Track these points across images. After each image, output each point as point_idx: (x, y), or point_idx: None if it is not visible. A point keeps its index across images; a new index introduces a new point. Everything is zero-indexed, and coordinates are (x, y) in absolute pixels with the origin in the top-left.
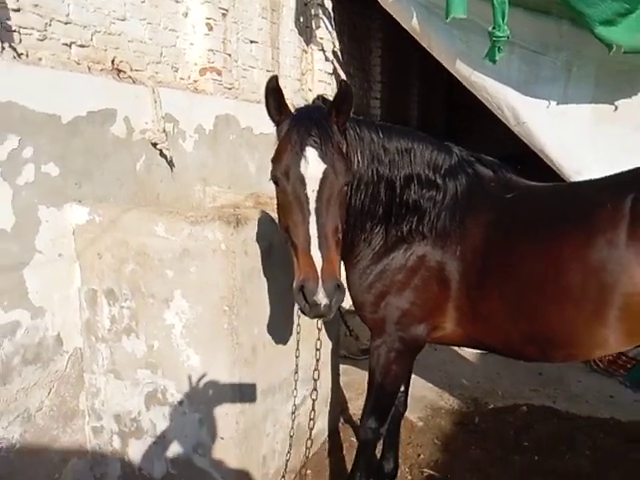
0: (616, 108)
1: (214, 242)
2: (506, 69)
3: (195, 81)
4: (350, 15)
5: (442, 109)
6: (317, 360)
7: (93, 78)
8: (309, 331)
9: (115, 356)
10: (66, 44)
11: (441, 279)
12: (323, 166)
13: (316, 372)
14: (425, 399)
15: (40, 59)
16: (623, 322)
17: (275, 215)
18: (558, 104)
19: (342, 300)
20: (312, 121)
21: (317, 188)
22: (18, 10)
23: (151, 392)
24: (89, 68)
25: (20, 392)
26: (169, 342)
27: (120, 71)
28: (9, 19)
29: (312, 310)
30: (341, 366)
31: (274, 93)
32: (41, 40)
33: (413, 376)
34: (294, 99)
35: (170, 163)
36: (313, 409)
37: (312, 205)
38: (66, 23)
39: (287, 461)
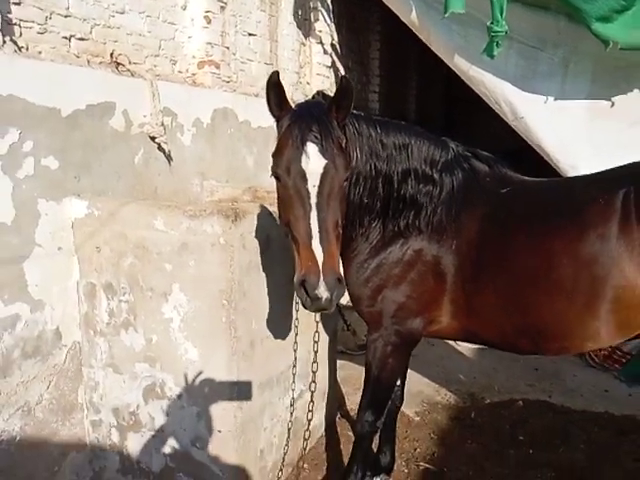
0: (612, 104)
1: (213, 236)
2: (504, 64)
3: (193, 74)
4: (349, 7)
5: (441, 103)
6: (315, 352)
7: (92, 71)
8: (307, 325)
9: (113, 350)
10: (66, 37)
11: (437, 273)
12: (324, 161)
13: (314, 364)
14: (422, 394)
15: (40, 52)
16: (614, 315)
17: (273, 209)
18: (555, 99)
19: (343, 294)
20: (312, 117)
21: (318, 183)
22: (19, 3)
23: (149, 386)
24: (88, 61)
25: (20, 385)
26: (167, 336)
27: (119, 64)
28: (10, 12)
29: (313, 304)
30: (338, 361)
31: (275, 88)
32: (41, 33)
33: (410, 371)
34: (292, 92)
35: (168, 157)
36: (311, 400)
37: (313, 200)
38: (66, 16)
39: (284, 454)
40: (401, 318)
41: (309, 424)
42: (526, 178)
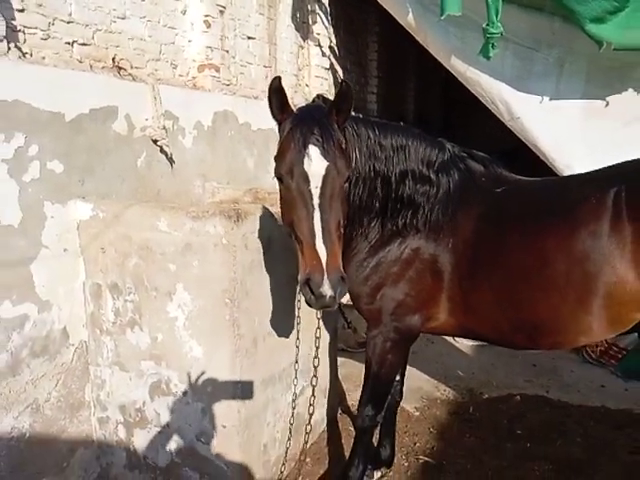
0: (607, 103)
1: (215, 236)
2: (500, 65)
3: (194, 78)
4: (347, 9)
5: (438, 104)
6: (317, 348)
7: (95, 76)
8: (308, 322)
9: (120, 348)
10: (68, 43)
11: (434, 271)
12: (325, 163)
13: (316, 359)
14: (421, 390)
15: (44, 58)
16: (606, 310)
17: (274, 210)
18: (550, 99)
19: (346, 291)
20: (314, 120)
21: (320, 184)
22: (22, 10)
23: (155, 383)
24: (91, 66)
25: (29, 383)
26: (172, 334)
27: (121, 68)
28: (14, 19)
29: (318, 301)
30: (339, 359)
31: (277, 93)
32: (44, 39)
33: (410, 368)
34: (291, 94)
35: (170, 159)
36: (313, 394)
37: (316, 201)
38: (68, 22)
39: (287, 449)
40: (400, 315)
41: (311, 416)
42: (520, 178)
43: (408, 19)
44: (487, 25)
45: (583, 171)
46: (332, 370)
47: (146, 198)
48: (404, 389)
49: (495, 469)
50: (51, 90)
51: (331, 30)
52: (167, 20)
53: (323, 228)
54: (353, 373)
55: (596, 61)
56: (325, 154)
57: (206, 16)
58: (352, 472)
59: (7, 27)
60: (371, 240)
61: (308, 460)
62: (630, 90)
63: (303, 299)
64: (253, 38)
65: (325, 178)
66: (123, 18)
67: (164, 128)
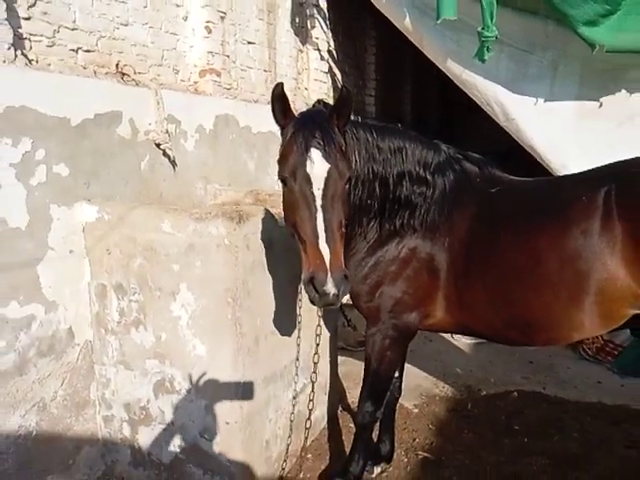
0: (601, 105)
1: (218, 237)
2: (495, 68)
3: (195, 82)
4: (345, 14)
5: (435, 106)
6: (317, 345)
7: (99, 82)
8: (309, 320)
9: (124, 347)
10: (73, 49)
11: (431, 269)
12: (327, 166)
13: (316, 356)
14: (420, 387)
15: (49, 64)
16: (598, 306)
17: (274, 211)
18: (545, 101)
19: (348, 290)
20: (315, 124)
21: (322, 186)
22: (28, 18)
23: (159, 381)
24: (95, 72)
25: (36, 382)
26: (176, 333)
27: (124, 74)
28: (20, 27)
29: (322, 299)
30: (339, 358)
31: (280, 99)
32: (50, 46)
33: (409, 365)
34: (291, 98)
35: (173, 162)
36: (312, 391)
37: (318, 202)
38: (73, 29)
39: (288, 445)
40: (398, 313)
41: (311, 412)
42: (514, 178)
43: (405, 23)
44: (482, 28)
45: (578, 171)
46: (332, 368)
47: (149, 200)
48: (403, 386)
49: (493, 464)
50: (57, 96)
51: (329, 34)
52: (169, 26)
53: (326, 228)
54: (353, 371)
55: (589, 63)
56: (327, 157)
57: (207, 22)
58: (353, 467)
59: (14, 35)
60: (370, 240)
61: (309, 456)
62: (623, 91)
63: (306, 297)
64: (253, 43)
65: (327, 180)
66: (126, 25)
67: (167, 132)
